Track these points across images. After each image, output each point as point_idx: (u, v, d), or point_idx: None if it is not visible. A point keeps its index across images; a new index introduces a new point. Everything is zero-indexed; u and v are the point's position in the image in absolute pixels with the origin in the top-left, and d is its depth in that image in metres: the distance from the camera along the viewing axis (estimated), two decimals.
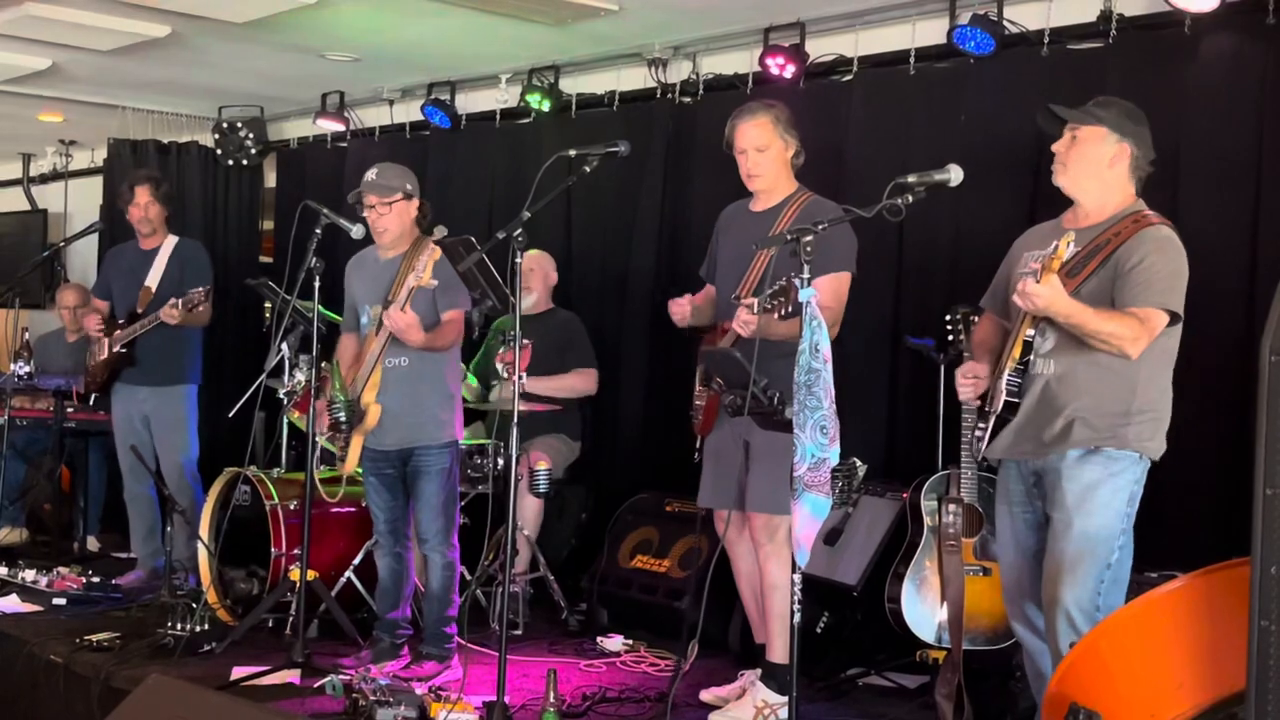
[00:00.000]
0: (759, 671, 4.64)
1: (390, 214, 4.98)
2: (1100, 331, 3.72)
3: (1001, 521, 4.12)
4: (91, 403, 7.01)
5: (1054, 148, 3.97)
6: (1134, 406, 3.80)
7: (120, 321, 6.52)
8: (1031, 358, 3.90)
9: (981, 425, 3.99)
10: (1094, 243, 3.85)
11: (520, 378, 4.28)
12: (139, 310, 6.44)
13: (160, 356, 6.46)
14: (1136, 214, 3.88)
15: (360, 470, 5.08)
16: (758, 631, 4.76)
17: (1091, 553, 3.78)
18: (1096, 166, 3.90)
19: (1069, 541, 3.80)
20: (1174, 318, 3.77)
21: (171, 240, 6.64)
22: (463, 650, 5.04)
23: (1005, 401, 3.90)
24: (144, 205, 6.56)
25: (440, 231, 4.95)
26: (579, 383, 6.32)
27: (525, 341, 6.11)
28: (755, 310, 4.01)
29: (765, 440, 4.29)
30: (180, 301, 6.13)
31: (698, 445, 4.76)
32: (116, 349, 6.46)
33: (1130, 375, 3.79)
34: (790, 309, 3.84)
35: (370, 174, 5.03)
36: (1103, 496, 3.80)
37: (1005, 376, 3.91)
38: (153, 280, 6.51)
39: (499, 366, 5.99)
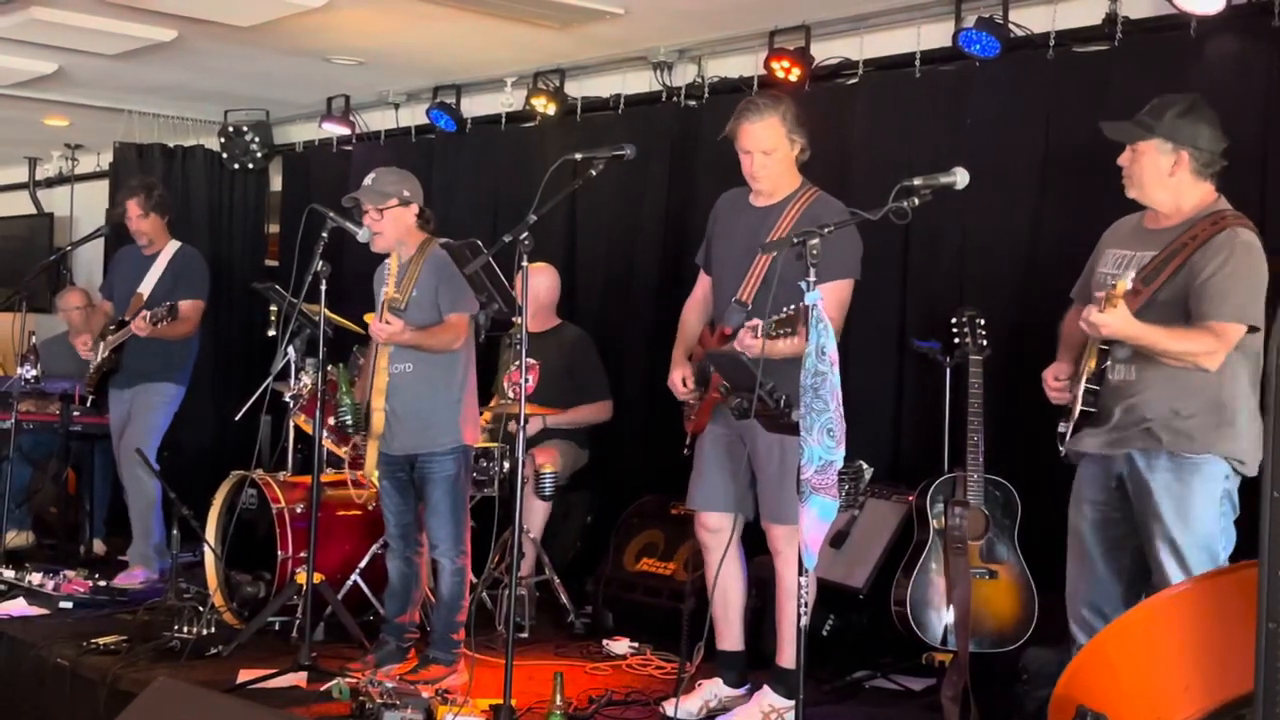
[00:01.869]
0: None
1: (383, 221, 4.97)
2: (1171, 350, 3.72)
3: (1074, 522, 4.08)
4: (89, 405, 7.02)
5: (1119, 162, 3.95)
6: (1215, 408, 3.78)
7: (111, 328, 6.54)
8: (1110, 363, 3.90)
9: (1064, 423, 3.99)
10: (1170, 247, 3.83)
11: (525, 381, 4.28)
12: (126, 318, 6.46)
13: (146, 359, 6.51)
14: (1215, 214, 3.84)
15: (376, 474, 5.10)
16: (722, 636, 4.75)
17: (1200, 566, 3.76)
18: (1159, 177, 3.88)
19: (1176, 560, 3.78)
20: (1251, 328, 3.74)
21: (172, 247, 6.66)
22: (469, 653, 5.04)
23: (1082, 411, 3.92)
24: (135, 219, 6.59)
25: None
26: (593, 414, 6.35)
27: (532, 362, 6.13)
28: (760, 334, 4.00)
29: (772, 447, 4.28)
30: (148, 315, 6.15)
31: (687, 442, 4.75)
32: (105, 354, 6.48)
33: (1211, 379, 3.77)
34: (792, 330, 3.86)
35: (367, 179, 5.03)
36: (1197, 508, 3.79)
37: (1083, 384, 3.92)
38: (146, 287, 6.53)
39: (505, 386, 5.99)
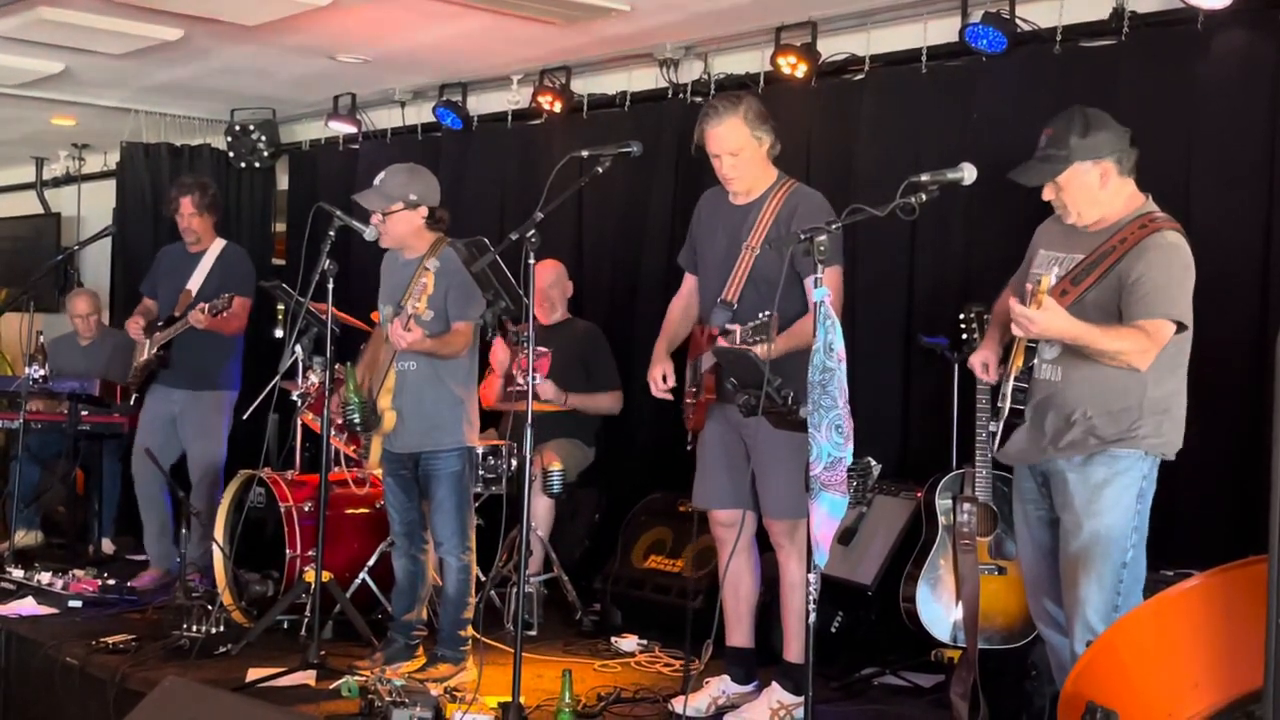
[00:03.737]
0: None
1: (386, 224, 4.95)
2: (1107, 350, 3.74)
3: (1018, 519, 4.16)
4: (133, 402, 7.03)
5: (1045, 198, 3.95)
6: (1142, 409, 3.80)
7: (159, 324, 6.55)
8: (1036, 362, 3.92)
9: (994, 424, 4.02)
10: (1099, 250, 3.85)
11: (533, 378, 4.28)
12: (176, 314, 6.47)
13: (196, 360, 6.50)
14: (1144, 217, 3.86)
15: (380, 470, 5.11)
16: (731, 632, 4.75)
17: (1105, 553, 3.79)
18: (1091, 197, 3.89)
19: (1081, 544, 3.82)
20: (1180, 326, 3.76)
21: (218, 245, 6.67)
22: (477, 651, 5.04)
23: (1011, 407, 3.96)
24: (187, 216, 6.61)
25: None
26: (608, 403, 6.38)
27: (544, 350, 6.14)
28: (738, 340, 4.02)
29: (769, 443, 4.28)
30: (206, 306, 6.16)
31: (689, 439, 4.75)
32: (154, 351, 6.49)
33: (1137, 379, 3.79)
34: (765, 337, 3.89)
35: (377, 179, 5.00)
36: (1110, 495, 3.81)
37: (1011, 381, 3.96)
38: (194, 284, 6.54)
39: (515, 374, 6.01)
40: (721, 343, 4.18)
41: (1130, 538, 3.82)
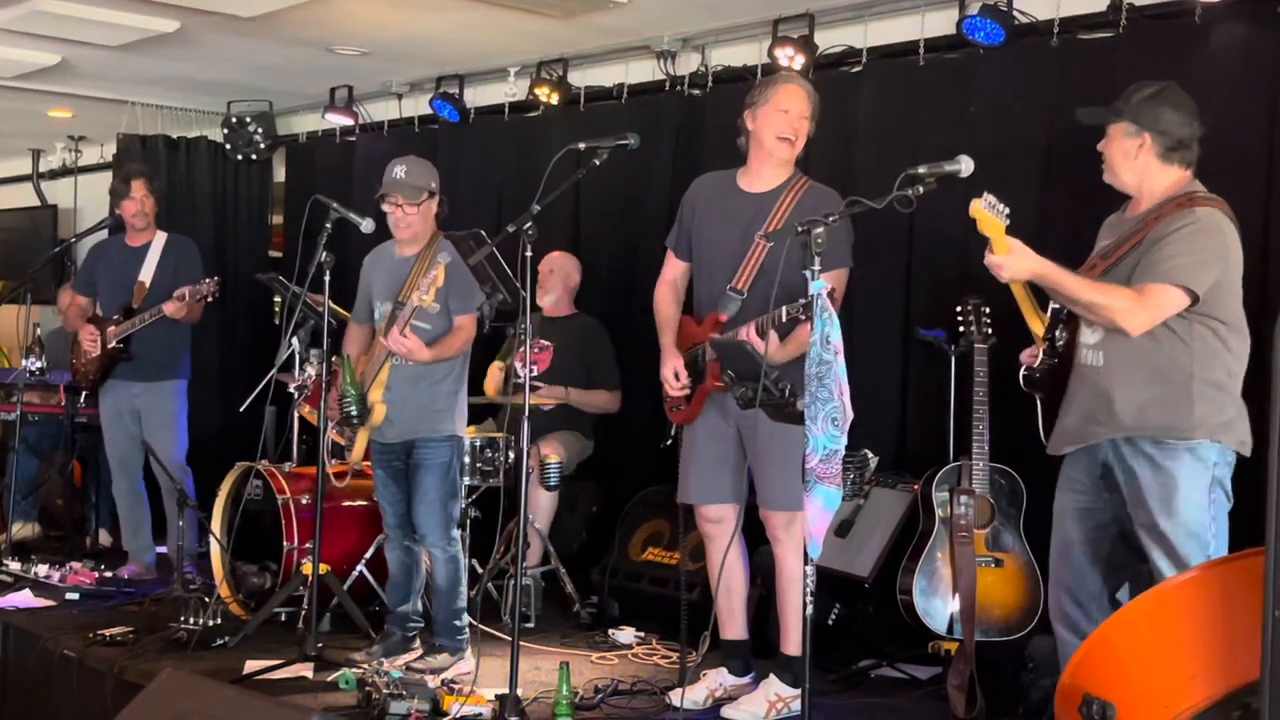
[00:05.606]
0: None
1: (416, 214, 4.96)
2: (1082, 299, 3.72)
3: (1056, 510, 4.06)
4: (83, 397, 7.02)
5: (1099, 147, 3.98)
6: (1192, 393, 3.76)
7: (115, 318, 6.51)
8: (1081, 348, 3.88)
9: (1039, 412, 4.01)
10: (1133, 228, 3.85)
11: (531, 369, 4.28)
12: (134, 305, 6.44)
13: (154, 352, 6.49)
14: (1182, 196, 3.84)
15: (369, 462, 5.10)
16: (726, 625, 4.74)
17: (1189, 555, 3.71)
18: (1125, 160, 3.90)
19: (1163, 549, 3.74)
20: (1194, 297, 3.72)
21: (162, 236, 6.66)
22: (475, 643, 5.04)
23: (1026, 377, 3.96)
24: (140, 199, 6.59)
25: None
26: (605, 401, 6.38)
27: (546, 343, 6.14)
28: (763, 334, 4.03)
29: (769, 434, 4.28)
30: (188, 292, 6.15)
31: (671, 432, 4.74)
32: (113, 344, 6.46)
33: (1184, 360, 3.75)
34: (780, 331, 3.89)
35: (399, 172, 4.98)
36: (1184, 492, 3.74)
37: (1040, 354, 3.95)
38: (146, 275, 6.52)
39: (516, 366, 6.00)
40: (751, 334, 4.15)
41: (1210, 529, 3.74)
